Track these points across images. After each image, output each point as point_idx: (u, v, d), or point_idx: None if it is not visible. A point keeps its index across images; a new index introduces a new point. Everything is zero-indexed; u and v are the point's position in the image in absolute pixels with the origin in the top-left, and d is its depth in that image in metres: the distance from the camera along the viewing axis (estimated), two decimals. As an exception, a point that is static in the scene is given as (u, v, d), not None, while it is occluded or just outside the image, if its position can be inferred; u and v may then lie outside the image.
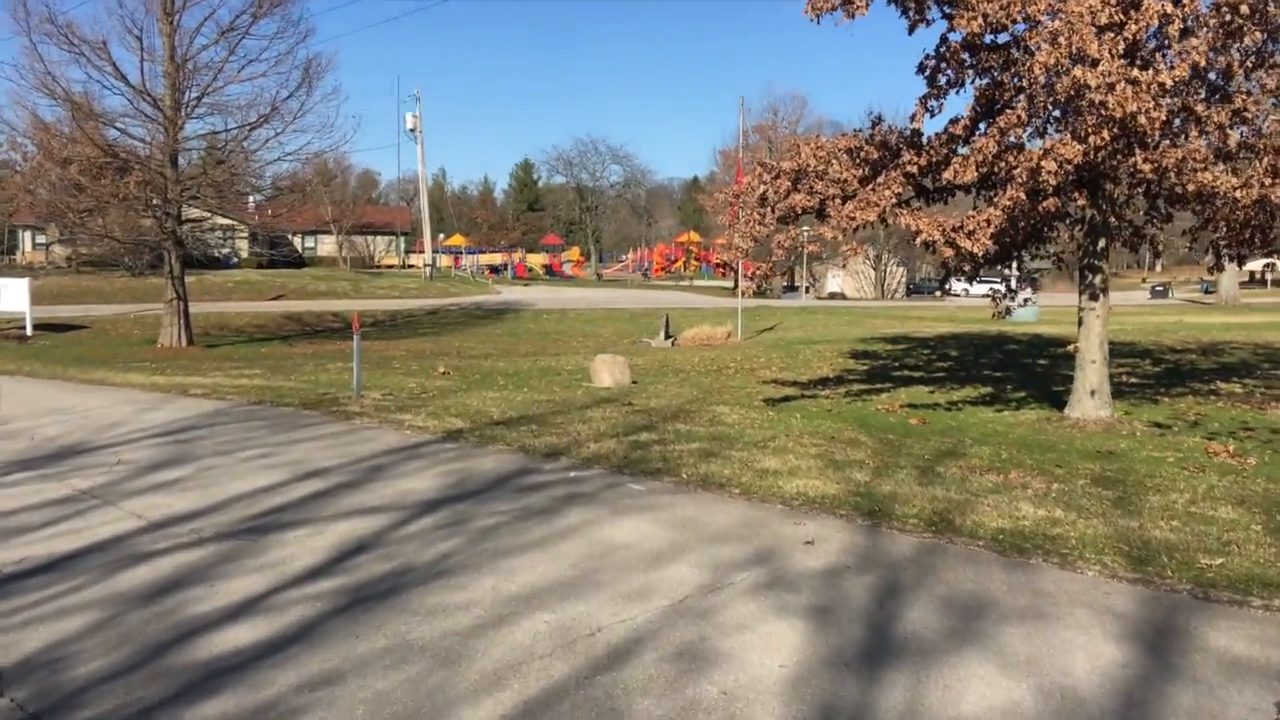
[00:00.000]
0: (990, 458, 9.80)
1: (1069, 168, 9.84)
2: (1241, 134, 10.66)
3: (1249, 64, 9.81)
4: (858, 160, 12.66)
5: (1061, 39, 9.15)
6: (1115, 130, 9.26)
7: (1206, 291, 69.36)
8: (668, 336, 27.56)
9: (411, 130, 72.38)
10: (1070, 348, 12.45)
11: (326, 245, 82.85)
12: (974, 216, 10.77)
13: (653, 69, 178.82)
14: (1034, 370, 18.54)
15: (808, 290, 69.13)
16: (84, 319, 36.12)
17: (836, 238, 11.82)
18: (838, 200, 12.38)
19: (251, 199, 34.78)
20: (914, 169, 11.98)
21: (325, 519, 7.20)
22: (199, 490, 8.15)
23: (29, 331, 29.90)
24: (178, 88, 25.73)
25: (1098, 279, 11.94)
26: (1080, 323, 12.19)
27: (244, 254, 65.25)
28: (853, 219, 11.77)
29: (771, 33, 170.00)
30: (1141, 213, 12.75)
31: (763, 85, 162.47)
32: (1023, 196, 10.55)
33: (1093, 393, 11.94)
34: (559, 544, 6.43)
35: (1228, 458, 9.79)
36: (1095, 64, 8.89)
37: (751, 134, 43.25)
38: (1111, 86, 8.80)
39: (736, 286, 71.74)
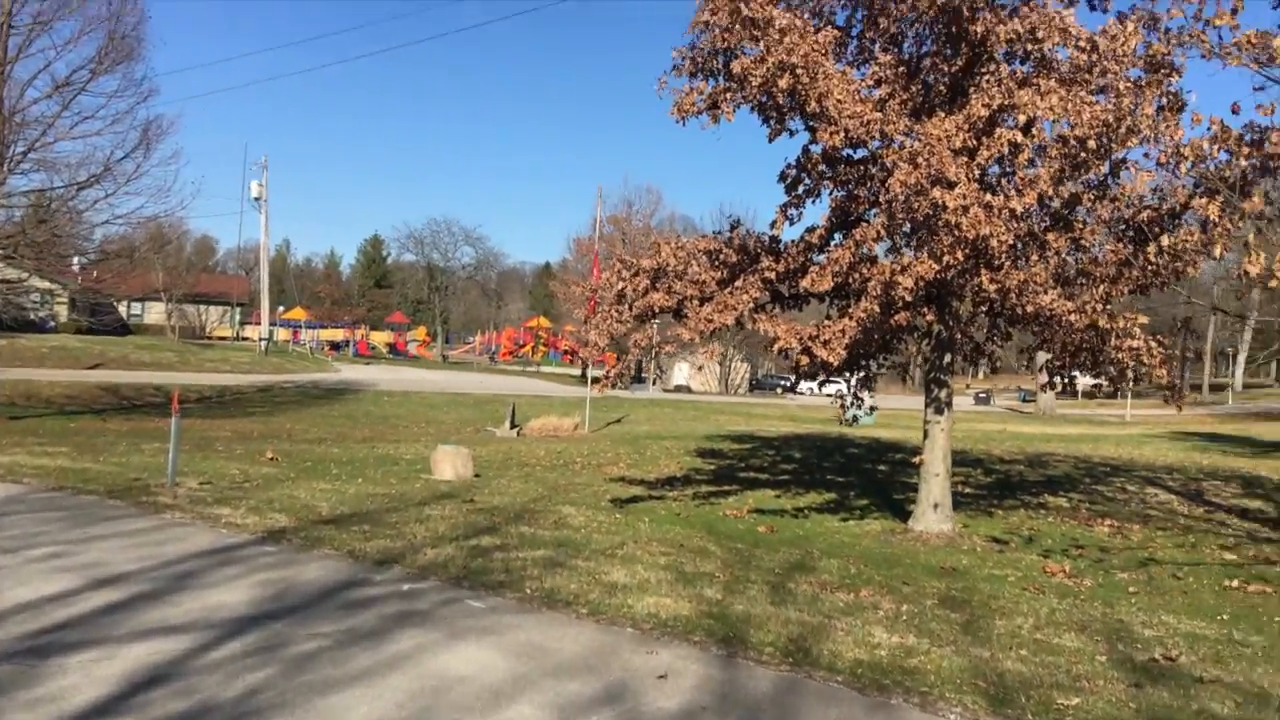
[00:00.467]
0: (840, 573, 9.63)
1: (922, 284, 9.99)
2: (1078, 261, 11.11)
3: (1091, 196, 10.26)
4: (717, 263, 12.64)
5: (921, 160, 9.33)
6: (968, 251, 9.45)
7: (1024, 400, 73.44)
8: (513, 426, 26.92)
9: (256, 199, 70.08)
10: (916, 460, 12.57)
11: (154, 313, 78.66)
12: (829, 326, 10.80)
13: (510, 152, 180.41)
14: (875, 476, 18.80)
15: (655, 382, 69.67)
16: None
17: (693, 339, 11.64)
18: (696, 302, 12.27)
19: (76, 261, 32.50)
20: (772, 275, 12.01)
21: (119, 639, 6.30)
22: (-31, 599, 7.07)
23: None
24: (3, 141, 23.90)
25: (943, 393, 12.14)
26: (925, 435, 12.34)
27: (62, 318, 61.17)
28: (710, 322, 11.65)
29: (630, 125, 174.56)
30: (983, 330, 13.12)
31: (620, 176, 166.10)
32: (876, 309, 10.65)
33: (935, 506, 12.03)
34: (387, 676, 5.77)
35: (1064, 578, 9.92)
36: (952, 186, 9.08)
37: (606, 224, 43.60)
38: (966, 209, 9.00)
39: (585, 375, 71.83)
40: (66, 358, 47.38)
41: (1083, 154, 9.56)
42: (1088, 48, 10.38)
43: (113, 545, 9.11)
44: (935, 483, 12.03)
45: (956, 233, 9.33)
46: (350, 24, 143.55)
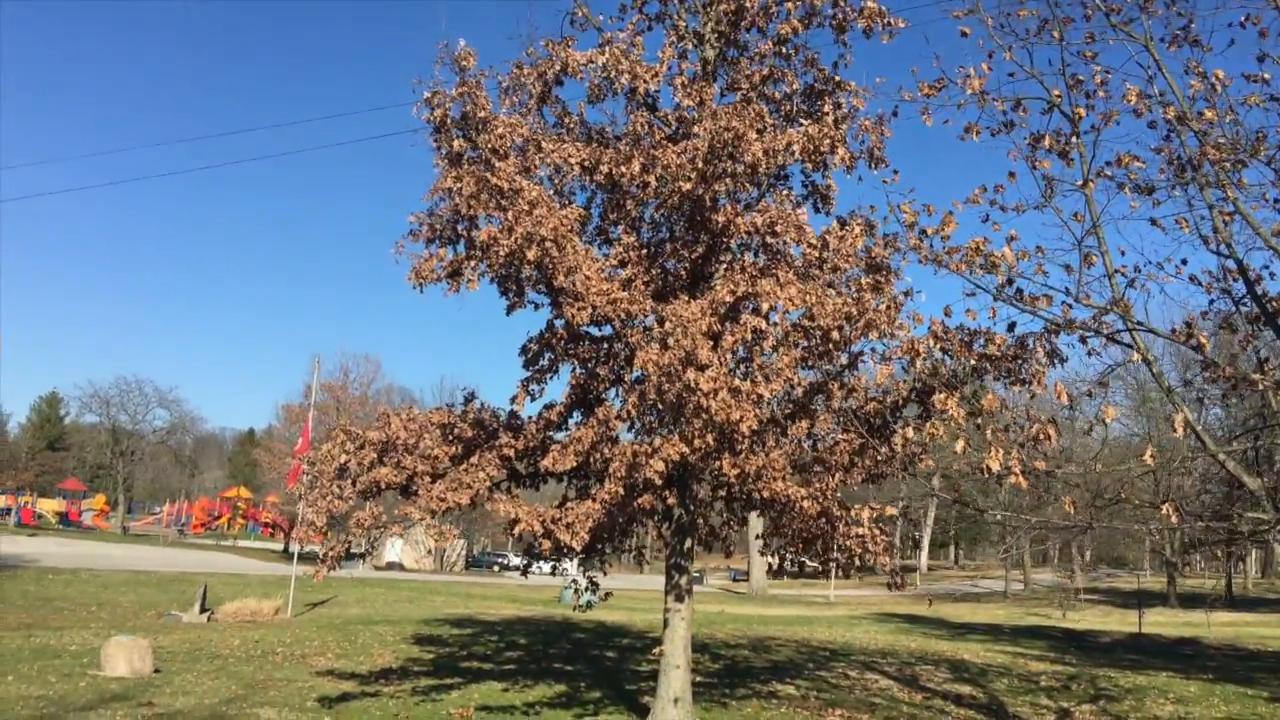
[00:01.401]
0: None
1: (670, 466, 9.71)
2: (814, 449, 11.30)
3: (834, 385, 10.54)
4: (451, 437, 11.89)
5: (673, 340, 9.20)
6: (715, 435, 9.30)
7: (735, 579, 75.49)
8: (204, 610, 23.97)
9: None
10: (656, 651, 12.02)
11: None
12: (572, 509, 10.26)
13: (212, 309, 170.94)
14: (604, 664, 18.05)
15: (365, 559, 65.85)
16: None
17: (424, 520, 10.70)
18: (427, 478, 11.40)
19: None
20: (511, 452, 11.42)
21: None
22: None
23: None
24: None
25: (684, 579, 11.79)
26: (665, 624, 11.85)
27: None
28: (444, 500, 10.81)
29: (349, 291, 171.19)
30: (719, 514, 13.03)
31: (335, 343, 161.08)
32: (620, 491, 10.24)
33: (676, 701, 11.45)
34: None
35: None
36: (704, 369, 8.97)
37: (321, 392, 41.40)
38: (717, 392, 8.88)
39: (288, 550, 66.64)
40: None
41: (827, 344, 9.82)
42: (819, 245, 10.87)
43: None
44: (675, 675, 11.49)
45: (706, 416, 9.17)
46: (34, 157, 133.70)
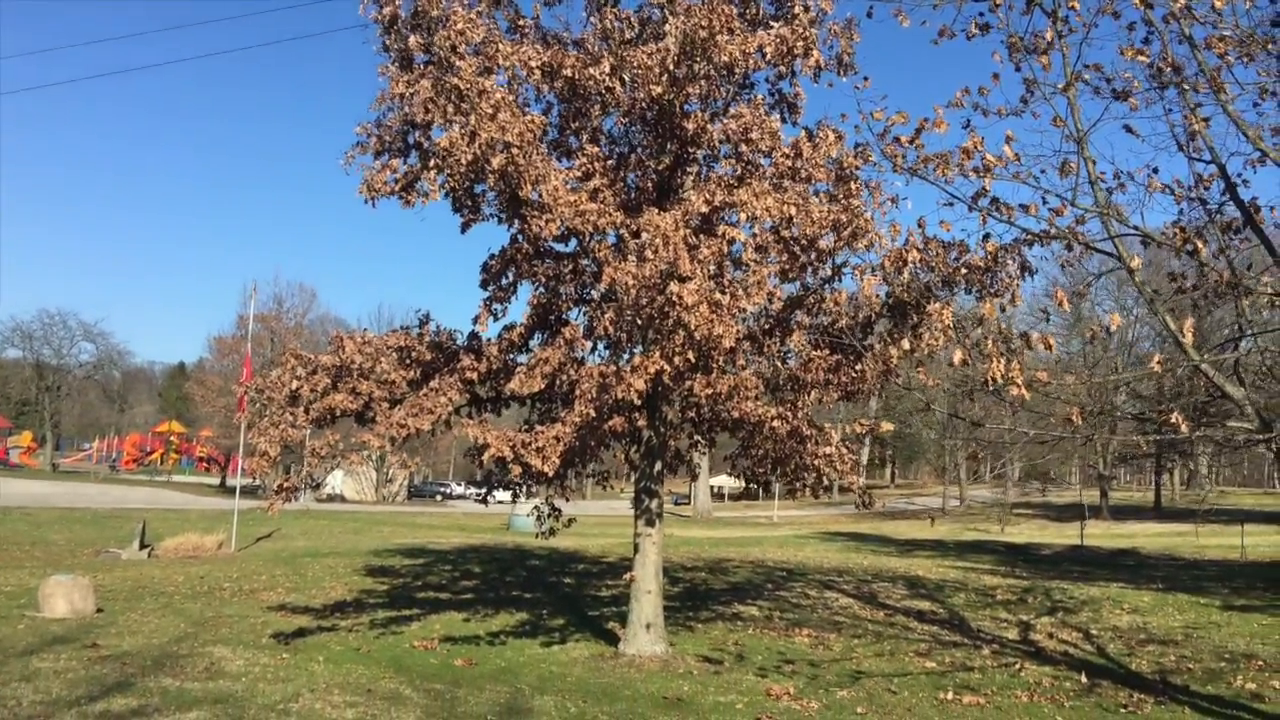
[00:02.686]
0: (559, 715, 8.47)
1: (647, 386, 9.27)
2: (789, 367, 10.94)
3: (812, 300, 10.13)
4: (408, 361, 11.31)
5: (650, 253, 8.69)
6: (695, 352, 8.87)
7: (677, 503, 76.03)
8: (144, 546, 23.21)
9: None
10: (627, 576, 11.70)
11: None
12: (543, 433, 9.77)
13: (138, 243, 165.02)
14: (563, 591, 17.79)
15: (305, 490, 64.95)
16: None
17: (384, 447, 10.16)
18: (385, 404, 10.84)
19: None
20: (474, 375, 10.88)
21: None
22: None
23: None
24: None
25: (654, 503, 11.45)
26: (636, 549, 11.54)
27: None
28: (404, 427, 10.26)
29: (284, 219, 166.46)
30: (687, 436, 12.67)
31: (269, 273, 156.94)
32: (591, 413, 9.78)
33: (648, 626, 11.19)
34: None
35: (790, 701, 9.36)
36: (686, 281, 8.48)
37: (251, 324, 40.21)
38: (698, 306, 8.41)
39: (224, 483, 65.43)
40: None
41: (809, 254, 9.39)
42: (792, 153, 10.37)
43: None
44: (647, 601, 11.21)
45: (686, 331, 8.71)
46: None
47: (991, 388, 6.81)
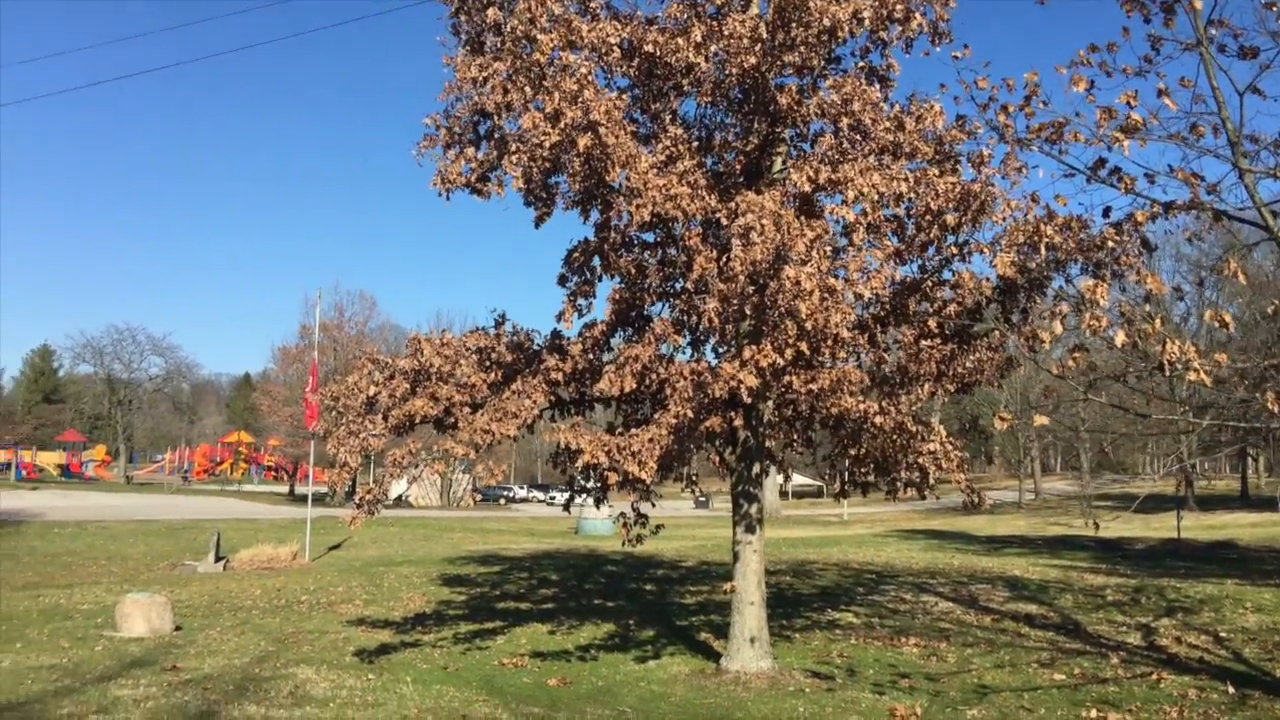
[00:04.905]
0: (672, 741, 7.80)
1: (755, 382, 8.52)
2: (899, 358, 10.13)
3: (930, 283, 9.33)
4: (488, 363, 10.72)
5: (756, 235, 7.95)
6: (808, 342, 8.12)
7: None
8: (219, 558, 23.03)
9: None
10: (727, 587, 10.96)
11: None
12: (637, 436, 9.08)
13: (201, 258, 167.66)
14: (646, 599, 17.11)
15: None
16: None
17: (469, 454, 9.56)
18: (466, 409, 10.25)
19: None
20: (559, 376, 10.23)
21: None
22: None
23: None
24: None
25: (754, 508, 10.71)
26: (735, 557, 10.81)
27: None
28: (488, 433, 9.65)
29: (340, 232, 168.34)
30: (783, 435, 11.90)
31: (329, 283, 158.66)
32: (689, 413, 9.08)
33: (753, 640, 10.45)
34: None
35: (917, 721, 8.60)
36: (799, 264, 7.74)
37: (316, 332, 40.30)
38: (812, 292, 7.67)
39: (293, 492, 65.84)
40: None
41: (932, 231, 8.58)
42: (894, 126, 9.58)
43: None
44: (750, 613, 10.47)
45: (797, 320, 7.97)
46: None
47: (1168, 371, 6.00)
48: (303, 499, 33.34)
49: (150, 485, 76.23)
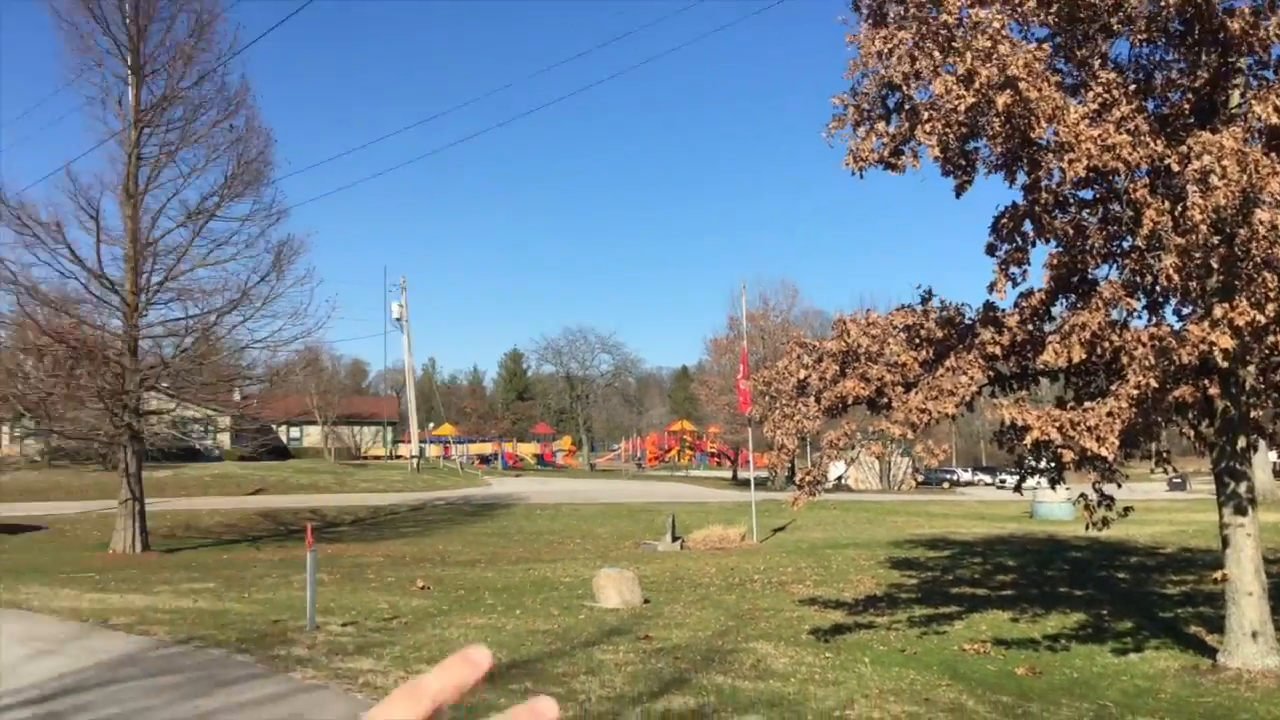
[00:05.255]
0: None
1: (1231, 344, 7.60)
2: None
3: None
4: (917, 340, 10.50)
5: (1216, 179, 7.08)
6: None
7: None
8: (675, 538, 24.84)
9: (397, 319, 71.01)
10: (1217, 576, 9.85)
11: (311, 436, 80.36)
12: (1094, 410, 8.45)
13: (639, 258, 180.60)
14: (1119, 588, 15.83)
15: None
16: (45, 518, 33.26)
17: (905, 435, 9.45)
18: (899, 388, 10.12)
19: (237, 392, 32.51)
20: (996, 350, 9.78)
21: None
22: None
23: (-25, 536, 26.96)
24: (138, 271, 23.87)
25: (1243, 487, 9.52)
26: (1225, 543, 9.67)
27: (226, 445, 62.66)
28: (924, 412, 9.47)
29: (757, 225, 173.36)
30: (1272, 404, 10.45)
31: (752, 274, 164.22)
32: (1153, 383, 8.27)
33: (1254, 635, 9.29)
34: None
35: None
36: (1278, 206, 6.80)
37: (744, 322, 42.00)
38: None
39: (736, 477, 68.97)
40: (229, 484, 48.01)
41: None
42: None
43: (223, 729, 7.41)
44: (1248, 604, 9.32)
45: (1276, 271, 6.99)
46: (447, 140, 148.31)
47: None
48: (746, 483, 34.81)
49: (609, 471, 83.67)
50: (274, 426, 72.95)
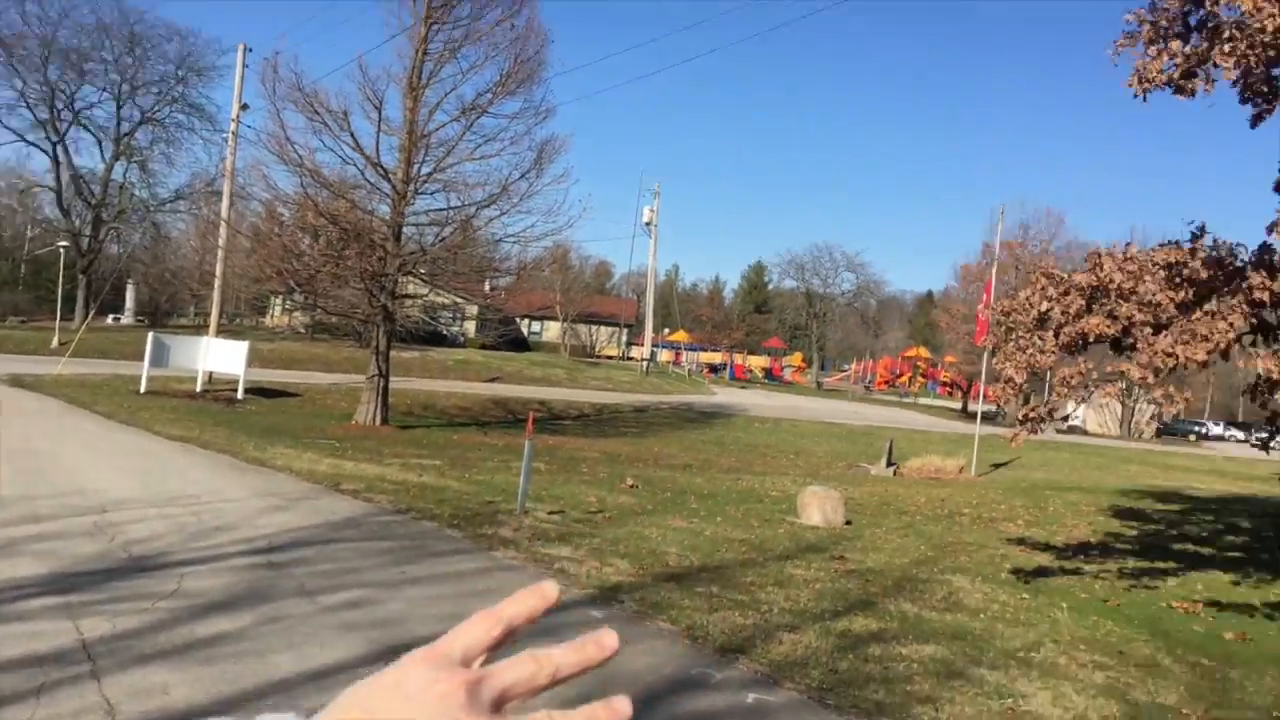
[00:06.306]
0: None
1: None
2: None
3: None
4: (1178, 280, 9.63)
5: None
6: None
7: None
8: (890, 464, 24.36)
9: (647, 224, 72.14)
10: None
11: (551, 330, 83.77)
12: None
13: (893, 178, 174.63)
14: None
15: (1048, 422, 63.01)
16: (299, 386, 36.42)
17: (1145, 378, 8.78)
18: (1148, 329, 9.37)
19: (487, 283, 34.17)
20: (1264, 296, 8.84)
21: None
22: (229, 664, 5.92)
23: (240, 395, 30.01)
24: (410, 162, 25.33)
25: None
26: None
27: (470, 333, 66.36)
28: (1170, 356, 8.74)
29: (1025, 148, 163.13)
30: None
31: (1014, 200, 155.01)
32: None
33: None
34: None
35: None
36: None
37: (997, 249, 39.78)
38: None
39: (965, 409, 66.57)
40: (467, 370, 50.90)
41: None
42: None
43: (423, 594, 7.97)
44: None
45: None
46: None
47: None
48: (973, 416, 33.54)
49: (836, 391, 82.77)
50: (517, 319, 76.71)
